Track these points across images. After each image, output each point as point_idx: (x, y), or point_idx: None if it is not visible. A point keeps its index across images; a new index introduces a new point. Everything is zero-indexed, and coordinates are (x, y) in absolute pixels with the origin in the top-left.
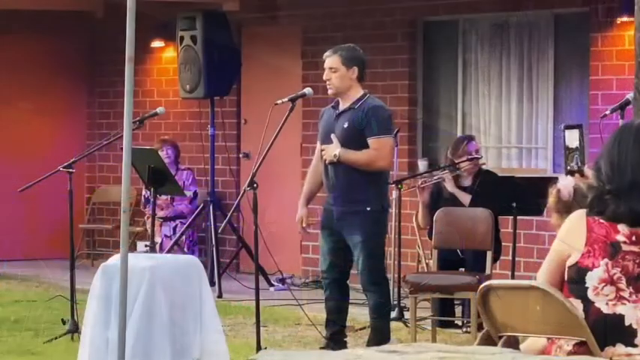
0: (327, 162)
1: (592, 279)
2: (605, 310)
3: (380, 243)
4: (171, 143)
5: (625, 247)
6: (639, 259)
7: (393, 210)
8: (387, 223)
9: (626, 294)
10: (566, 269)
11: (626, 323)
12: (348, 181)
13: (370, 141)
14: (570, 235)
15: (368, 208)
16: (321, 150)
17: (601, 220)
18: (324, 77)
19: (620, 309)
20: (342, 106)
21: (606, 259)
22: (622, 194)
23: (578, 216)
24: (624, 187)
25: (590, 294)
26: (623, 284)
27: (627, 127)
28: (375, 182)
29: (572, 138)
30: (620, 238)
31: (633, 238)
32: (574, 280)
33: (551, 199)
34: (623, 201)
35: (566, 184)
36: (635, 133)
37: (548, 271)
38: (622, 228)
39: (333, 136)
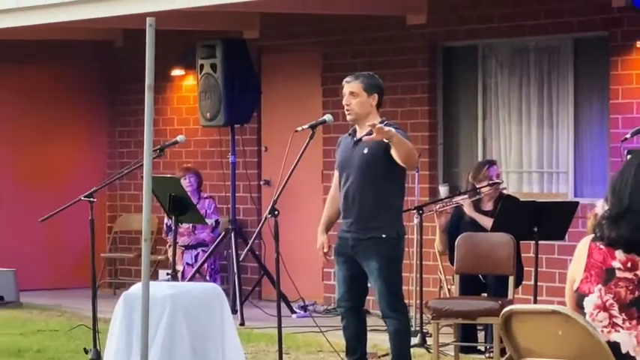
0: (387, 134)
1: (588, 305)
2: None
3: (397, 269)
4: (193, 172)
5: (619, 274)
6: (632, 286)
7: (414, 236)
8: (403, 250)
9: (619, 320)
10: (573, 294)
11: (623, 351)
12: (364, 207)
13: None
14: (576, 261)
15: (383, 235)
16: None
17: (601, 246)
18: (344, 102)
19: (614, 336)
20: (359, 133)
21: (600, 285)
22: (617, 220)
23: (585, 242)
24: (620, 212)
25: (588, 320)
26: (615, 311)
27: (635, 155)
28: (389, 209)
29: None
30: (616, 264)
31: (628, 265)
32: (578, 305)
33: (589, 223)
34: (616, 227)
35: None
36: (638, 160)
37: (568, 296)
38: (619, 254)
39: None
